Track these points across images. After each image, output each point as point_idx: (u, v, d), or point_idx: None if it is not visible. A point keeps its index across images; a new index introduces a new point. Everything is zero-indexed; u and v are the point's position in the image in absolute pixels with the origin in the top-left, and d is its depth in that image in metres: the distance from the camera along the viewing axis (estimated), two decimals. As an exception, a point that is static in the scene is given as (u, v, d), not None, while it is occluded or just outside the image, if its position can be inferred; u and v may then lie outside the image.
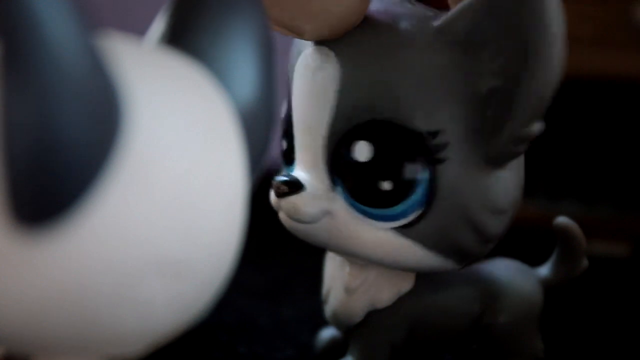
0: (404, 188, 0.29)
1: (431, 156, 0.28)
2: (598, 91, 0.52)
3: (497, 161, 0.29)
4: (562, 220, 0.34)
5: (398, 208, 0.29)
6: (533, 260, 0.35)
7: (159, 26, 0.24)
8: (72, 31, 0.19)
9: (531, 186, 0.53)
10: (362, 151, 0.29)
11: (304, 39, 0.30)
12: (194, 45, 0.24)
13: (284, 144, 0.32)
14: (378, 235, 0.29)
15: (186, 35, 0.24)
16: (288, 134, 0.31)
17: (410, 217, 0.29)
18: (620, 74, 0.51)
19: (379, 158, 0.29)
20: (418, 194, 0.29)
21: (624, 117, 0.53)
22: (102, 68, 0.20)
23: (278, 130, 0.29)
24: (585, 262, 0.34)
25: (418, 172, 0.28)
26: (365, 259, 0.30)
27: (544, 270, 0.34)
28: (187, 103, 0.22)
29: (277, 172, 0.31)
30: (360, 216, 0.29)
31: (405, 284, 0.32)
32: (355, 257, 0.31)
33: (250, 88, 0.24)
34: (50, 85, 0.19)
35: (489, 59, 0.28)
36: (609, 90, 0.52)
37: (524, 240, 0.48)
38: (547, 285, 0.34)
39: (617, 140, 0.53)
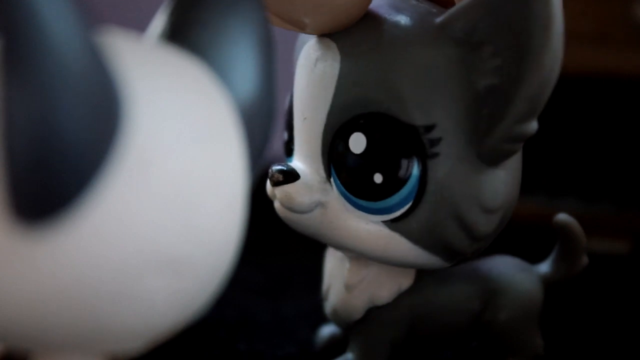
0: (395, 181, 0.29)
1: (424, 150, 0.28)
2: (598, 88, 0.52)
3: (491, 159, 0.29)
4: (562, 217, 0.34)
5: (389, 201, 0.29)
6: (533, 257, 0.35)
7: (159, 23, 0.24)
8: (73, 27, 0.19)
9: (531, 183, 0.53)
10: (357, 143, 0.29)
11: (306, 33, 0.30)
12: (194, 41, 0.24)
13: (286, 135, 0.32)
14: (368, 228, 0.29)
15: (186, 31, 0.24)
16: (290, 125, 0.32)
17: (401, 211, 0.29)
18: (620, 71, 0.51)
19: (372, 150, 0.29)
20: (409, 187, 0.29)
21: (624, 115, 0.53)
22: (102, 64, 0.20)
23: (280, 122, 0.29)
24: (585, 260, 0.34)
25: (410, 166, 0.28)
26: (355, 252, 0.30)
27: (544, 267, 0.34)
28: (187, 100, 0.22)
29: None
30: (352, 208, 0.29)
31: (406, 281, 0.32)
32: (345, 250, 0.31)
33: (250, 84, 0.24)
34: (50, 82, 0.18)
35: (487, 58, 0.28)
36: (609, 87, 0.52)
37: (524, 237, 0.48)
38: (547, 283, 0.34)
39: (617, 138, 0.53)
